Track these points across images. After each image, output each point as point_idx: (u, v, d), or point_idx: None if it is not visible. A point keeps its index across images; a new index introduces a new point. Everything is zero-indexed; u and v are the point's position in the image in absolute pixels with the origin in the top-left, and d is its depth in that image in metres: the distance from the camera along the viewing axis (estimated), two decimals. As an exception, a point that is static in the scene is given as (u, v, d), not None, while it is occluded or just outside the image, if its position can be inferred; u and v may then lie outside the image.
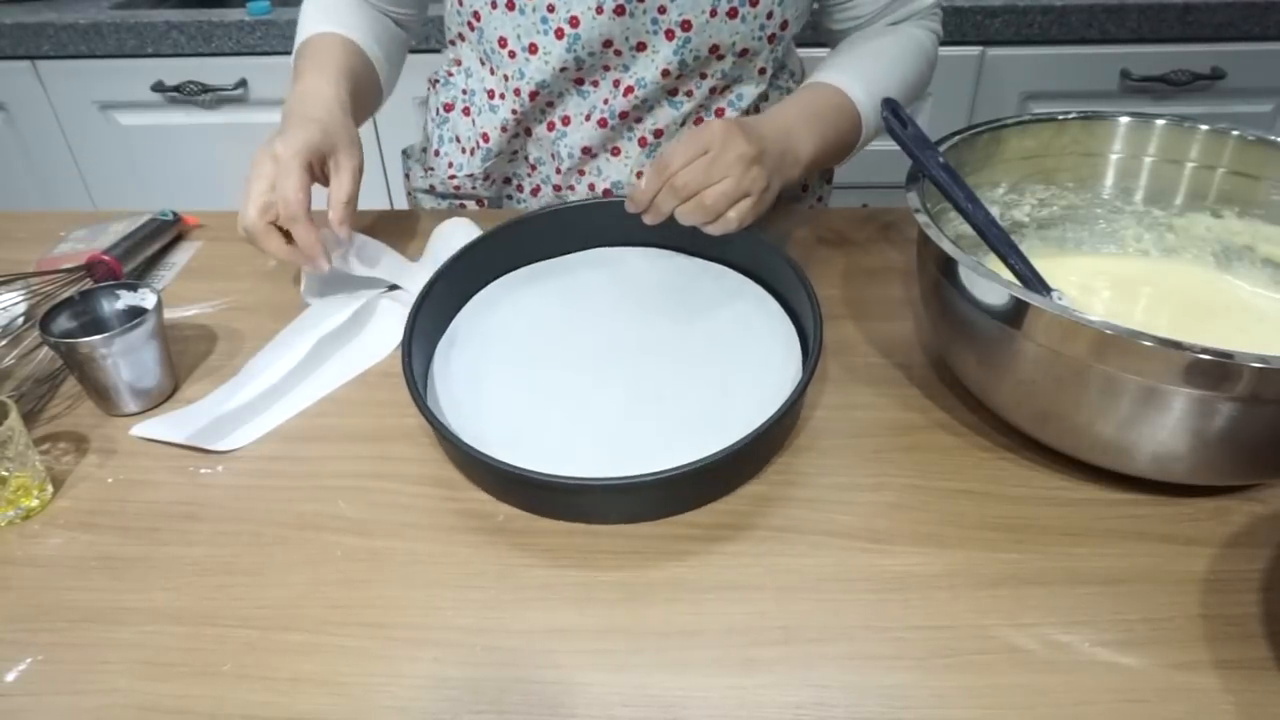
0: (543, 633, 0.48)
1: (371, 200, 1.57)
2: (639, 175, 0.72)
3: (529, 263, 0.73)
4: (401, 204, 1.56)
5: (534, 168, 0.88)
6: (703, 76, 0.78)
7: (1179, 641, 0.46)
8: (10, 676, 0.46)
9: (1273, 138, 0.64)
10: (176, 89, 1.45)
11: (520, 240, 0.72)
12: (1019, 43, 1.38)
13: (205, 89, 1.45)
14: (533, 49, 0.76)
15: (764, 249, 0.68)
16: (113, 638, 0.48)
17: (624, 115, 0.80)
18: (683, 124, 0.82)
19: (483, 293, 0.70)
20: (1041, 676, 0.45)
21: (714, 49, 0.76)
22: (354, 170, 0.69)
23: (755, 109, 0.83)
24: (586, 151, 0.83)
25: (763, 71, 0.81)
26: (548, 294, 0.70)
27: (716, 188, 0.62)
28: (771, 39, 0.78)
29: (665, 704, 0.44)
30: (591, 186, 0.85)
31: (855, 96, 0.75)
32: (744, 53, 0.77)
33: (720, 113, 0.83)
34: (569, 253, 0.74)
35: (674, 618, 0.48)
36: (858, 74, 0.76)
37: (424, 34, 1.37)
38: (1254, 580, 0.49)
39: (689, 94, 0.80)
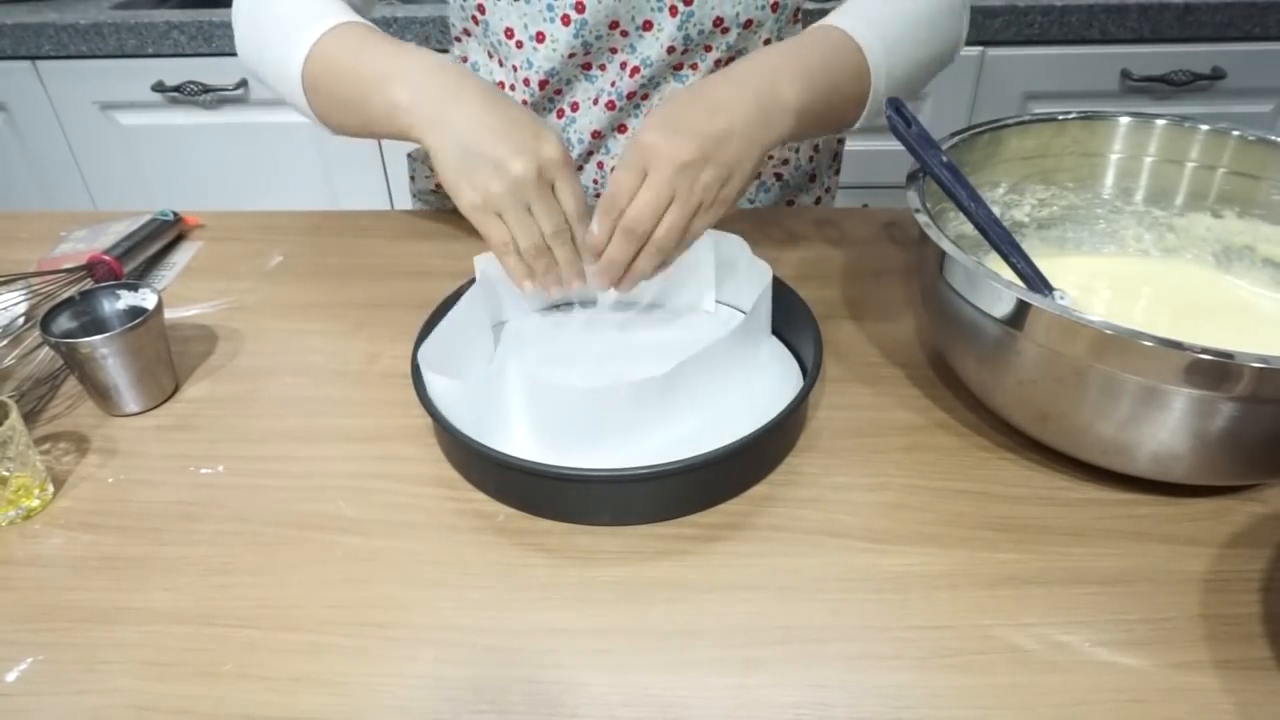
0: (543, 633, 0.48)
1: (372, 202, 1.57)
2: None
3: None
4: (403, 205, 1.56)
5: None
6: (707, 50, 0.78)
7: (1179, 641, 0.46)
8: (10, 676, 0.46)
9: (1273, 138, 0.64)
10: (177, 89, 1.45)
11: None
12: (1019, 43, 1.38)
13: (206, 89, 1.45)
14: (540, 38, 0.76)
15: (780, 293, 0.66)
16: (113, 638, 0.48)
17: (631, 95, 0.80)
18: None
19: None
20: (1041, 676, 0.45)
21: (717, 21, 0.76)
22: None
23: None
24: (596, 135, 0.83)
25: (768, 43, 0.80)
26: (545, 327, 0.68)
27: (665, 221, 0.58)
28: (775, 7, 0.77)
29: (665, 704, 0.44)
30: (600, 165, 0.85)
31: (859, 35, 0.66)
32: (748, 24, 0.77)
33: None
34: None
35: (674, 618, 0.48)
36: (862, 14, 0.67)
37: (425, 35, 1.37)
38: (1254, 580, 0.49)
39: (694, 68, 0.79)
